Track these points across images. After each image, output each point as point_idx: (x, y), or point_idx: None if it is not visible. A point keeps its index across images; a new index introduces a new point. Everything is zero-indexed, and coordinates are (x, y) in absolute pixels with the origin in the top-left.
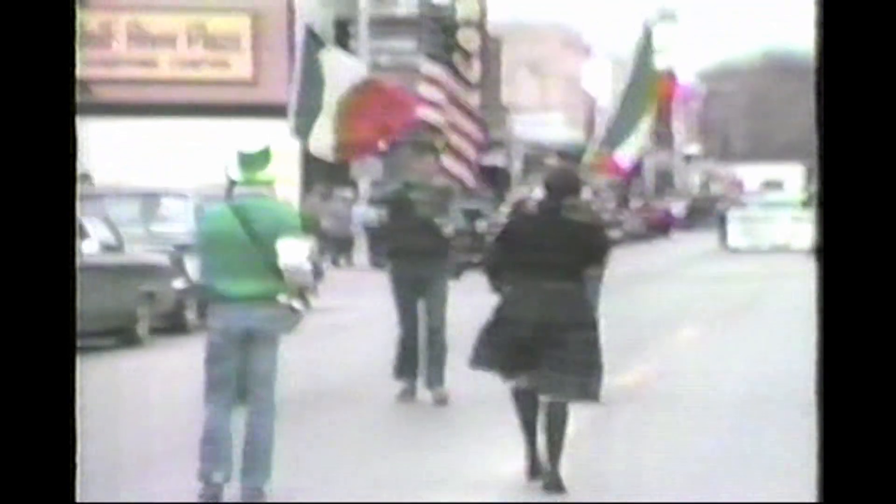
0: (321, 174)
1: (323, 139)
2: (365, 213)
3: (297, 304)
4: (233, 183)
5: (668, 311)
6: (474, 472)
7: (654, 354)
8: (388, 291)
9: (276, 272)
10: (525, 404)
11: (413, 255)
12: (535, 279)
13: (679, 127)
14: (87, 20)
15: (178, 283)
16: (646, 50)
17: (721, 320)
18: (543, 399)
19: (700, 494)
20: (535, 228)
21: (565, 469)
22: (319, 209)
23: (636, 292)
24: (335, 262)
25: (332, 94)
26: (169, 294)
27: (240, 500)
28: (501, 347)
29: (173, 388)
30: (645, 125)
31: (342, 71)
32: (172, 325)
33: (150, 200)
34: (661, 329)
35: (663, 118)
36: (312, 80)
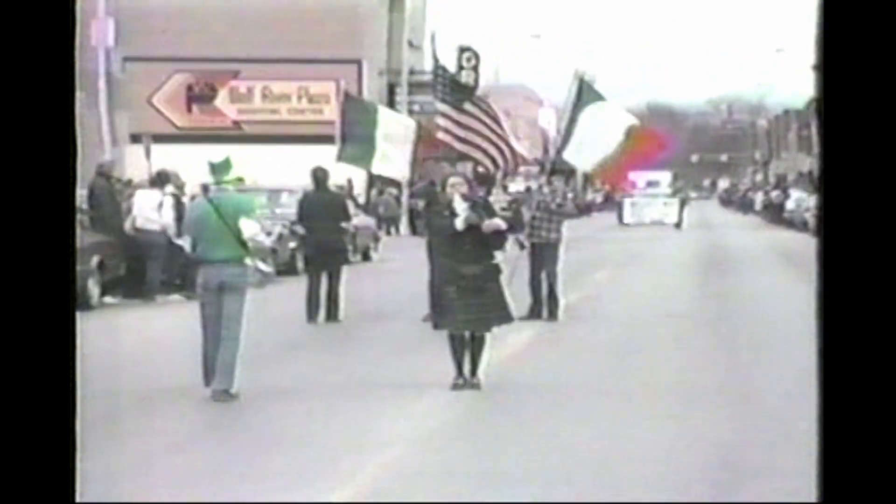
0: (382, 181)
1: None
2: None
3: (263, 266)
4: (206, 185)
5: (592, 259)
6: None
7: (584, 286)
8: (419, 248)
9: (241, 242)
10: (457, 345)
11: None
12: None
13: None
14: (238, 87)
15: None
16: (578, 100)
17: (622, 265)
18: (472, 333)
19: (614, 377)
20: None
21: (528, 359)
22: (378, 200)
23: (574, 249)
24: (388, 232)
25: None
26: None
27: (211, 399)
28: (448, 309)
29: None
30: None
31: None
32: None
33: (274, 193)
34: (588, 270)
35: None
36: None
